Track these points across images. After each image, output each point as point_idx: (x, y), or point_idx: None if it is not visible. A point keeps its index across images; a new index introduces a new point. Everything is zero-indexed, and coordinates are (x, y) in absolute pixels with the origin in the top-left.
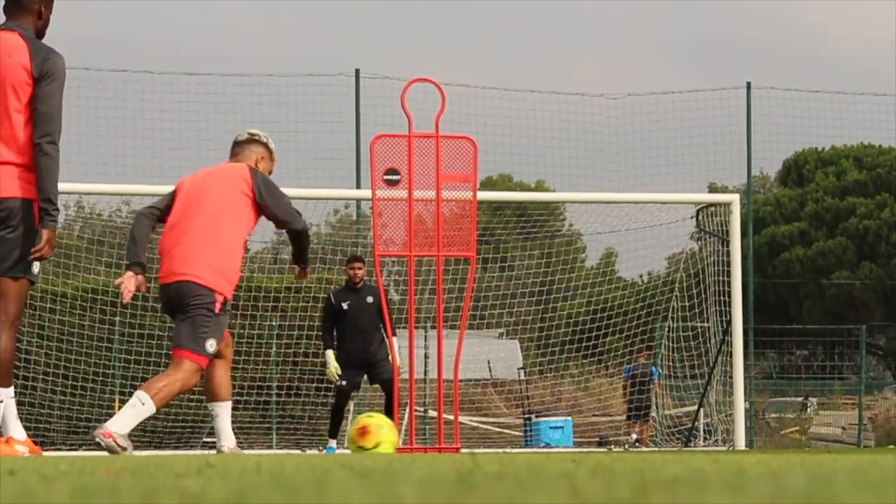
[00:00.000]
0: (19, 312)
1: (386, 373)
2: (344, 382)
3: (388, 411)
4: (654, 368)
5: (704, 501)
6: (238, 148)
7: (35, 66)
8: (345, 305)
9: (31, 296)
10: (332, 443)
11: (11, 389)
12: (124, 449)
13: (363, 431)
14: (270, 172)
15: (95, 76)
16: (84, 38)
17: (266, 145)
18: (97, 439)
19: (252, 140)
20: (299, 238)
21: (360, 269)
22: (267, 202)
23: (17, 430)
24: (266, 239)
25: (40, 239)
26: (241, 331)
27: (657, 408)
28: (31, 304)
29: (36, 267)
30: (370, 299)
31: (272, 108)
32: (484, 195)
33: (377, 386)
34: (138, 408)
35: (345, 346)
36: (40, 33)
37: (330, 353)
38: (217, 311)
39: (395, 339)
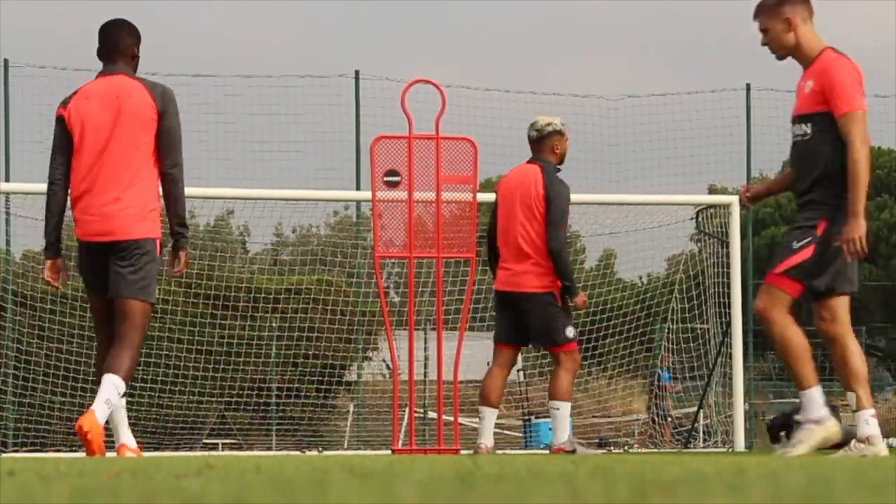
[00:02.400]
0: (145, 331)
1: None
2: None
3: None
4: (662, 372)
5: (704, 503)
6: (533, 145)
7: (157, 101)
8: None
9: (32, 297)
10: None
11: (125, 386)
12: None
13: None
14: (565, 151)
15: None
16: (82, 39)
17: (557, 132)
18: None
19: (545, 135)
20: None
21: None
22: (548, 208)
23: (101, 411)
24: (266, 240)
25: (179, 261)
26: (241, 332)
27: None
28: (31, 304)
29: (155, 290)
30: None
31: (272, 109)
32: (484, 196)
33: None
34: (561, 412)
35: None
36: (135, 72)
37: None
38: (560, 303)
39: None
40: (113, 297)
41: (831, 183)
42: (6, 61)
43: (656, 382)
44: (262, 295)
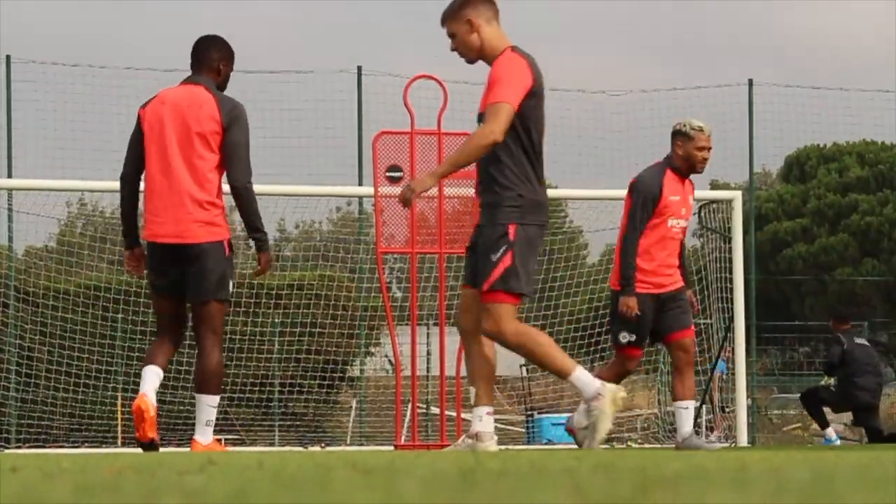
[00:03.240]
0: (222, 328)
1: None
2: None
3: None
4: (721, 363)
5: (706, 498)
6: None
7: (223, 115)
8: None
9: (34, 293)
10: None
11: (217, 398)
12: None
13: None
14: (689, 154)
15: (98, 73)
16: (87, 36)
17: (677, 132)
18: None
19: (671, 134)
20: None
21: None
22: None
23: (203, 434)
24: (268, 236)
25: (259, 262)
26: (244, 328)
27: (719, 403)
28: (33, 301)
29: (231, 287)
30: None
31: (274, 105)
32: None
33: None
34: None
35: None
36: (221, 87)
37: None
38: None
39: None
40: (189, 303)
41: (510, 185)
42: (8, 57)
43: (717, 374)
44: (265, 291)
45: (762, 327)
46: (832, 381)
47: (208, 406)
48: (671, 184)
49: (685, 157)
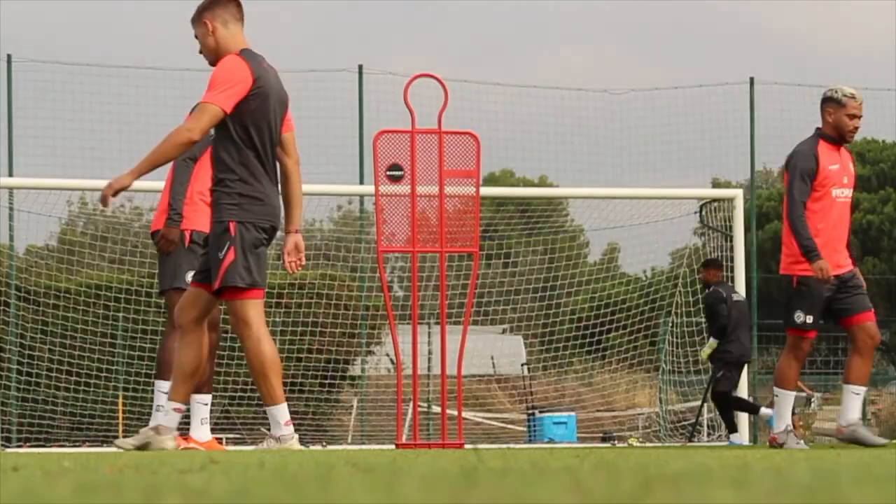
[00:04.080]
0: (175, 317)
1: None
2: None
3: None
4: None
5: (708, 497)
6: None
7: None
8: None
9: (35, 292)
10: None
11: (165, 384)
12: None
13: None
14: (840, 123)
15: (98, 72)
16: (88, 35)
17: (828, 99)
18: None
19: (821, 101)
20: None
21: None
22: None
23: (199, 432)
24: None
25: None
26: None
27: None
28: (34, 300)
29: (189, 276)
30: None
31: None
32: (486, 191)
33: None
34: (780, 399)
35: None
36: None
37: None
38: (795, 286)
39: None
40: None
41: (230, 183)
42: (9, 56)
43: None
44: (266, 290)
45: (763, 326)
46: (708, 349)
47: (158, 391)
48: (827, 153)
49: (835, 124)
